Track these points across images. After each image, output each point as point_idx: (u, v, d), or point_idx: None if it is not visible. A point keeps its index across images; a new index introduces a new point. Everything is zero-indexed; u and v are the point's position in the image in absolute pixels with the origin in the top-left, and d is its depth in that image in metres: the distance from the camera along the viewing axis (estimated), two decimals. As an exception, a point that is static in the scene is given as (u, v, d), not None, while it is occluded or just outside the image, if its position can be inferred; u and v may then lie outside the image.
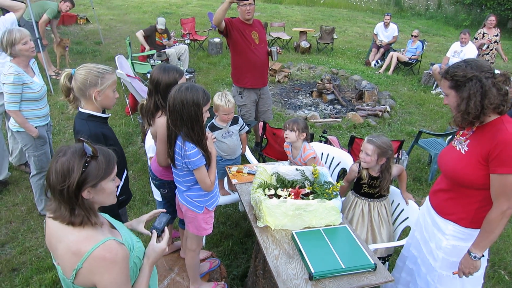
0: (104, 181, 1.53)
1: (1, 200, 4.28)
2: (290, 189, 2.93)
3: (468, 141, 2.19)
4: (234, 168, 3.49)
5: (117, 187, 1.65)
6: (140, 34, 7.97)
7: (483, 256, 2.20)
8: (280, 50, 4.97)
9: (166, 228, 1.87)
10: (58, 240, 1.51)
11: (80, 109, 2.39)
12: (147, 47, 7.93)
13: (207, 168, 2.47)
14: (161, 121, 2.64)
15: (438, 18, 18.29)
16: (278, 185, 3.00)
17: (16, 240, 3.74)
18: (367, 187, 3.09)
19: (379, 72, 9.78)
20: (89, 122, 2.37)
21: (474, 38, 8.80)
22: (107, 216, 1.73)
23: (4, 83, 3.44)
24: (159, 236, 1.81)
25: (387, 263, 3.24)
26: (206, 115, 2.40)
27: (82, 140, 1.51)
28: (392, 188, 3.27)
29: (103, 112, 2.46)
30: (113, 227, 1.68)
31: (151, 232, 1.82)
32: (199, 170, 2.41)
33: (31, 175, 3.92)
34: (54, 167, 1.46)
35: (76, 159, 1.46)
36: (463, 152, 2.20)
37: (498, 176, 2.03)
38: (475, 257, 2.18)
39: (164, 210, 2.00)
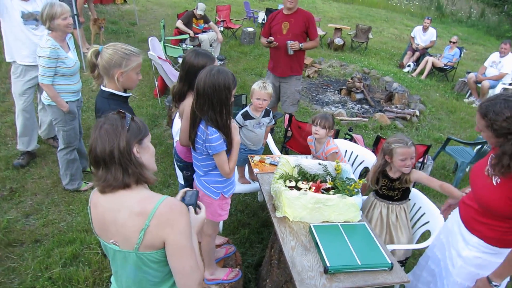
0: (146, 138, 1.60)
1: (28, 172, 4.38)
2: (311, 183, 2.91)
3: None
4: (256, 158, 3.49)
5: None
6: (180, 24, 7.99)
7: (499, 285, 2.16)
8: (296, 44, 4.81)
9: (200, 203, 1.87)
10: (117, 210, 1.53)
11: (102, 87, 2.43)
12: (191, 32, 7.96)
13: (228, 155, 2.47)
14: (189, 100, 2.65)
15: (479, 27, 17.79)
16: (299, 178, 2.98)
17: (40, 212, 3.82)
18: (386, 189, 3.03)
19: (412, 76, 9.60)
20: (110, 100, 2.41)
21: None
22: None
23: (40, 56, 3.50)
24: (195, 210, 1.83)
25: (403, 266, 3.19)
26: (232, 99, 2.40)
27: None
28: (414, 191, 3.21)
29: (125, 91, 2.49)
30: None
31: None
32: (219, 156, 2.41)
33: (58, 149, 3.99)
34: (98, 135, 1.50)
35: (118, 121, 1.52)
36: (494, 183, 2.10)
37: None
38: (495, 286, 2.14)
39: (188, 188, 2.00)
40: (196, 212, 1.79)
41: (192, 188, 2.92)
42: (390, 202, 3.05)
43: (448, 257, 2.49)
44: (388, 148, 2.92)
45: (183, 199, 1.84)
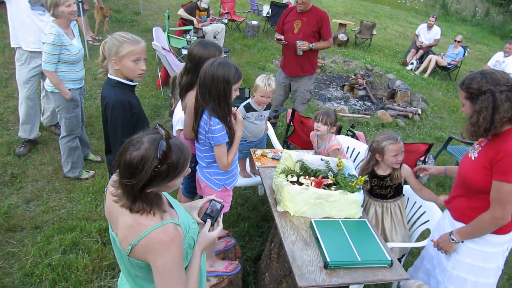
0: (171, 182, 1.47)
1: (29, 158, 4.38)
2: (312, 178, 2.92)
3: (480, 148, 2.23)
4: (259, 151, 3.49)
5: None
6: (182, 12, 7.97)
7: (462, 242, 2.31)
8: (305, 44, 4.71)
9: (220, 218, 1.82)
10: (120, 212, 1.50)
11: (109, 75, 2.43)
12: (195, 21, 7.92)
13: (228, 147, 2.47)
14: (193, 93, 2.65)
15: (484, 26, 17.71)
16: (301, 173, 2.99)
17: (40, 198, 3.83)
18: (378, 188, 3.04)
19: (415, 74, 9.58)
20: (116, 88, 2.41)
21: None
22: (166, 194, 1.70)
23: (44, 42, 3.50)
24: (212, 225, 1.77)
25: (402, 261, 3.20)
26: (236, 93, 2.40)
27: (158, 131, 1.44)
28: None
29: (131, 80, 2.49)
30: (170, 205, 1.66)
31: (205, 221, 1.78)
32: (220, 147, 2.41)
33: (60, 136, 3.99)
34: (123, 159, 1.38)
35: (148, 159, 1.36)
36: (473, 158, 2.25)
37: (496, 182, 2.09)
38: (453, 239, 2.32)
39: (215, 195, 1.94)
40: (211, 229, 1.74)
41: (195, 180, 2.94)
42: (384, 200, 3.05)
43: (442, 252, 2.51)
44: (379, 146, 2.92)
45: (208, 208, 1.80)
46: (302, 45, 4.71)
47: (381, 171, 3.01)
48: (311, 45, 4.75)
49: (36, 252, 3.19)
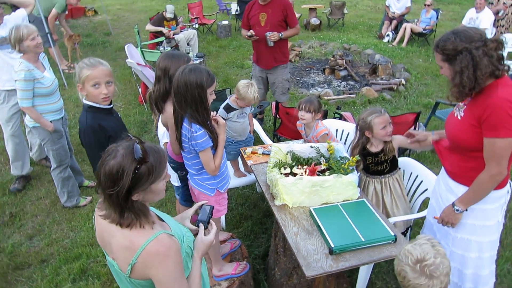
0: (154, 184, 1.48)
1: (26, 195, 4.38)
2: (305, 167, 2.92)
3: (465, 107, 2.21)
4: (248, 150, 3.49)
5: None
6: (149, 27, 7.97)
7: (466, 210, 2.29)
8: (275, 35, 4.71)
9: (211, 221, 1.84)
10: (111, 235, 1.50)
11: (83, 100, 2.44)
12: (165, 31, 7.89)
13: (213, 152, 2.47)
14: (170, 107, 2.65)
15: (452, -15, 17.73)
16: (293, 164, 2.99)
17: (43, 232, 3.82)
18: (374, 165, 3.04)
19: (393, 45, 9.59)
20: (88, 113, 2.42)
21: (490, 3, 8.51)
22: (153, 209, 1.71)
23: (16, 80, 3.48)
24: (206, 228, 1.79)
25: (408, 235, 3.21)
26: (212, 97, 2.39)
27: (130, 140, 1.46)
28: (409, 160, 3.23)
29: (110, 103, 2.48)
30: (160, 219, 1.66)
31: (198, 226, 1.79)
32: (205, 152, 2.40)
33: (51, 168, 3.97)
34: (103, 170, 1.40)
35: (127, 163, 1.39)
36: (459, 118, 2.23)
37: (487, 139, 2.07)
38: (457, 210, 2.28)
39: (206, 201, 1.97)
40: (205, 232, 1.75)
41: (188, 187, 2.93)
42: (382, 176, 3.05)
43: (448, 227, 2.50)
44: (366, 123, 2.91)
45: (197, 214, 1.81)
46: (272, 36, 4.71)
47: (374, 148, 3.01)
48: (280, 34, 4.75)
49: (47, 285, 3.19)
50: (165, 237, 1.48)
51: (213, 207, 1.88)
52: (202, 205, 1.89)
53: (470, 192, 2.24)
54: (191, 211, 1.92)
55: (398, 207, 3.03)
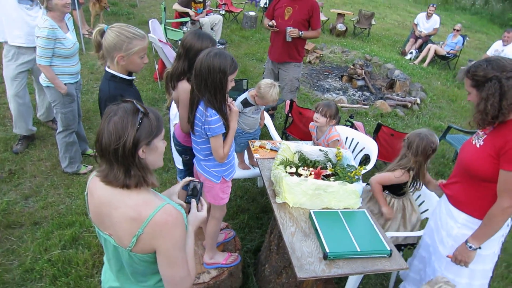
0: (156, 139, 1.51)
1: (27, 154, 4.36)
2: (311, 169, 2.90)
3: (485, 136, 2.20)
4: (257, 143, 3.48)
5: None
6: (177, 6, 7.89)
7: (479, 248, 2.23)
8: (295, 31, 4.67)
9: (202, 198, 1.84)
10: (113, 207, 1.49)
11: (106, 68, 2.40)
12: (192, 13, 7.84)
13: (224, 139, 2.46)
14: (184, 86, 2.64)
15: (483, 15, 17.62)
16: (300, 164, 2.97)
17: (39, 194, 3.82)
18: (412, 186, 3.00)
19: (414, 63, 9.53)
20: (111, 82, 2.38)
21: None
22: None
23: (37, 36, 3.44)
24: (197, 203, 1.80)
25: (401, 252, 3.19)
26: (232, 84, 2.37)
27: (128, 100, 1.49)
28: None
29: (130, 74, 2.45)
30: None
31: (189, 202, 1.80)
32: (216, 138, 2.39)
33: (57, 131, 3.96)
34: (106, 128, 1.42)
35: (129, 117, 1.43)
36: (478, 146, 2.21)
37: (504, 172, 2.05)
38: (470, 247, 2.23)
39: (194, 178, 1.96)
40: (198, 208, 1.77)
41: (192, 172, 2.92)
42: (405, 194, 3.02)
43: (438, 240, 2.52)
44: (432, 148, 2.82)
45: (186, 190, 1.81)
46: (292, 31, 4.68)
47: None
48: (300, 33, 4.72)
49: (36, 248, 3.19)
50: (171, 207, 1.50)
51: (203, 183, 1.88)
52: (190, 181, 1.89)
53: (482, 227, 2.20)
54: (177, 187, 1.92)
55: (415, 211, 3.04)
